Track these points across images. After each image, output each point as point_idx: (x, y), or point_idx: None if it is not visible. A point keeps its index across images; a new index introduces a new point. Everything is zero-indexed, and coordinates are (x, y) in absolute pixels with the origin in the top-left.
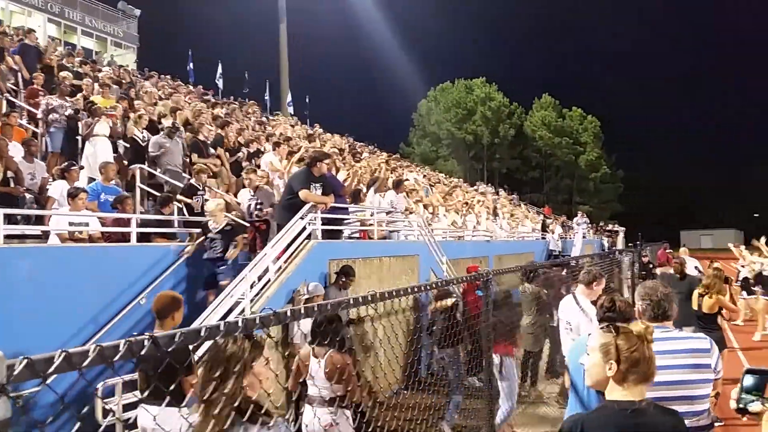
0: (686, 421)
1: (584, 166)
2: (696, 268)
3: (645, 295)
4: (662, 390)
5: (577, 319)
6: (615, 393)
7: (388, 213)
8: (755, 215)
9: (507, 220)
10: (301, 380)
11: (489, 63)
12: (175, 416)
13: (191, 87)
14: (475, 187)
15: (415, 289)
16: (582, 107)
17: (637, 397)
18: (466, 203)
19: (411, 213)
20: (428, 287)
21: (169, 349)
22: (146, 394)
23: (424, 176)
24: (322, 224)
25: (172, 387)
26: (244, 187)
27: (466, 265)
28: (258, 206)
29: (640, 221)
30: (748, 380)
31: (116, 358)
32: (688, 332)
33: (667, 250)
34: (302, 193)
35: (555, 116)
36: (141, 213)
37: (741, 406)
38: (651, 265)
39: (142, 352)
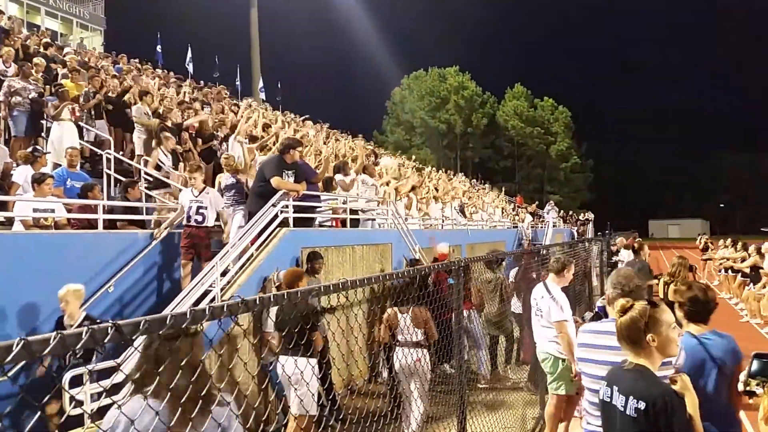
0: None
1: (555, 155)
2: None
3: (617, 283)
4: None
5: (548, 306)
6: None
7: (367, 201)
8: (721, 205)
9: (482, 212)
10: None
11: (462, 52)
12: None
13: (159, 71)
14: (446, 176)
15: (386, 277)
16: (553, 97)
17: (633, 359)
18: (437, 189)
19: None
20: (397, 275)
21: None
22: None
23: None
24: (295, 212)
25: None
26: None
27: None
28: (200, 211)
29: (609, 210)
30: (756, 365)
31: (78, 346)
32: None
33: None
34: (274, 181)
35: (527, 106)
36: (109, 199)
37: (748, 389)
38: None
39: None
